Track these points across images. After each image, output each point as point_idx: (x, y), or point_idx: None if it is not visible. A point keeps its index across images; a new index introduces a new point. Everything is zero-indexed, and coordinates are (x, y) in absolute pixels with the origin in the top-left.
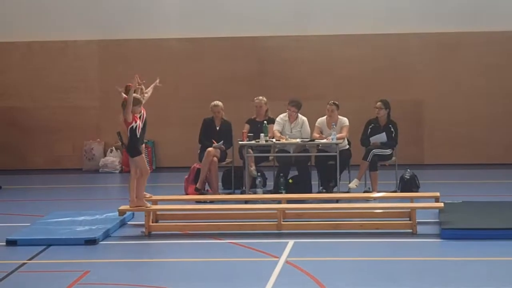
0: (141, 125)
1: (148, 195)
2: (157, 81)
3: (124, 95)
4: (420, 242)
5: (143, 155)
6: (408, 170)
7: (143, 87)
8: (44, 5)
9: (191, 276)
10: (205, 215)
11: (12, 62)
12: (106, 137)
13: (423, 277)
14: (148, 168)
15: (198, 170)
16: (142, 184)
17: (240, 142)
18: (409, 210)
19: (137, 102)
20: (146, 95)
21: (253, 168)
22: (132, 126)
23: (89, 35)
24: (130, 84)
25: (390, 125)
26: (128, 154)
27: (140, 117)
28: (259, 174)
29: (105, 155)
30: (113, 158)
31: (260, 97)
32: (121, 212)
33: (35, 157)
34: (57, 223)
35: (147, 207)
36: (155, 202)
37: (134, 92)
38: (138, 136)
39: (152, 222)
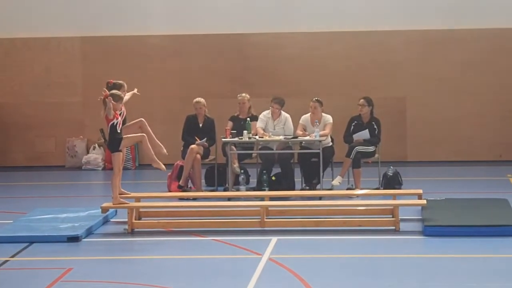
0: (121, 122)
1: (126, 192)
2: (135, 90)
3: (105, 91)
4: (403, 239)
5: (121, 154)
6: (391, 167)
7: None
8: (26, 2)
9: (174, 273)
10: (188, 212)
11: None
12: (89, 134)
13: (406, 274)
14: (121, 168)
15: (181, 167)
16: (116, 183)
17: (223, 139)
18: (392, 207)
19: (118, 98)
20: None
21: (236, 165)
22: (113, 123)
23: (72, 32)
24: (110, 80)
25: (373, 122)
26: (109, 150)
27: (120, 114)
28: (242, 171)
29: (88, 152)
30: (96, 155)
31: (243, 94)
32: (104, 209)
33: (16, 154)
34: (40, 220)
35: (127, 205)
36: (138, 199)
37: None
38: (119, 131)
39: (135, 219)
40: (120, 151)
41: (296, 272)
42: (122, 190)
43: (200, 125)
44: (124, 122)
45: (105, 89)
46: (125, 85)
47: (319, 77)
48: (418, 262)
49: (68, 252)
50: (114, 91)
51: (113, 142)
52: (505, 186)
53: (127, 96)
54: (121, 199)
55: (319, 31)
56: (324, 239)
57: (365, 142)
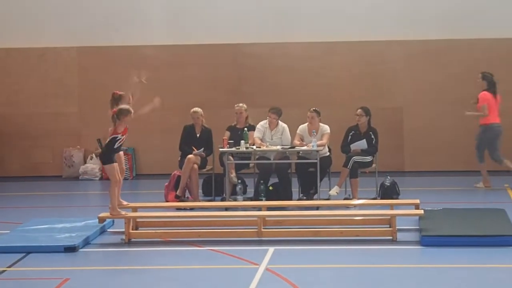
0: (124, 140)
1: (124, 202)
2: (157, 102)
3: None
4: (400, 249)
5: (115, 164)
6: (388, 177)
7: (131, 96)
8: (23, 12)
9: (171, 284)
10: (185, 222)
11: None
12: (86, 144)
13: (403, 284)
14: (118, 178)
15: (179, 177)
16: (113, 193)
17: (221, 149)
18: (389, 217)
19: (127, 112)
20: (141, 111)
21: (233, 175)
22: (116, 137)
23: (69, 42)
24: (116, 91)
25: (371, 132)
26: (101, 162)
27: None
28: (239, 181)
29: (85, 162)
30: (93, 165)
31: (240, 104)
32: (101, 219)
33: (13, 164)
34: (37, 230)
35: (124, 215)
36: (135, 209)
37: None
38: (115, 147)
39: (132, 229)
40: (113, 162)
41: (293, 282)
42: (121, 200)
43: (198, 135)
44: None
45: (112, 102)
46: (129, 96)
47: (316, 87)
48: (416, 272)
49: (65, 262)
50: (122, 106)
51: (106, 154)
52: (502, 196)
53: (146, 109)
54: (119, 210)
55: (316, 41)
56: (321, 249)
57: (363, 152)
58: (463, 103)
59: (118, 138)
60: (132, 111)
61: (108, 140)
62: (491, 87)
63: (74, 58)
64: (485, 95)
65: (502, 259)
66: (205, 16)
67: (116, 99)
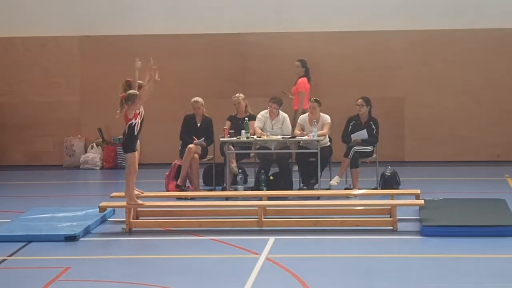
0: (139, 123)
1: (139, 191)
2: (156, 76)
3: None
4: (401, 239)
5: (136, 153)
6: (389, 167)
7: (141, 82)
8: (25, 1)
9: (172, 273)
10: (186, 211)
11: None
12: (87, 134)
13: (403, 273)
14: (136, 168)
15: (179, 166)
16: (131, 182)
17: (221, 139)
18: (390, 207)
19: (134, 97)
20: (146, 91)
21: (234, 164)
22: (132, 123)
23: (71, 31)
24: (129, 79)
25: (371, 122)
26: (123, 150)
27: (139, 114)
28: (240, 171)
29: (85, 152)
30: (94, 155)
31: (237, 94)
32: (102, 209)
33: (15, 153)
34: (38, 219)
35: (142, 204)
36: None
37: (133, 87)
38: (135, 133)
39: (133, 219)
40: (134, 150)
41: (294, 271)
42: (136, 189)
43: (198, 124)
44: (141, 123)
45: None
46: (138, 82)
47: (318, 77)
48: (416, 262)
49: (66, 251)
50: (130, 91)
51: (127, 142)
52: (503, 187)
53: (146, 86)
54: (136, 199)
55: (317, 31)
56: (321, 239)
57: (363, 142)
58: (464, 93)
59: (134, 123)
60: (139, 94)
61: (126, 128)
62: (307, 74)
63: (75, 48)
64: (304, 82)
65: (502, 249)
66: (207, 5)
67: (129, 86)
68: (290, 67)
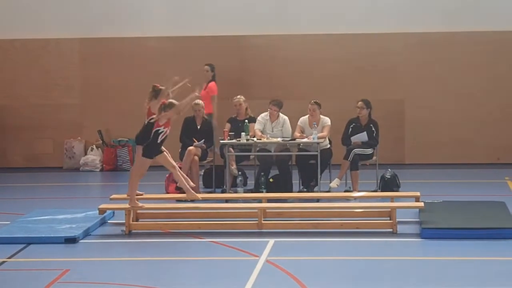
0: (167, 133)
1: (139, 193)
2: (196, 92)
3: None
4: (400, 241)
5: (150, 161)
6: (389, 169)
7: (169, 92)
8: (25, 3)
9: (171, 275)
10: (186, 214)
11: None
12: (87, 136)
13: (403, 276)
14: (144, 173)
15: (179, 168)
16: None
17: (221, 141)
18: (390, 209)
19: (172, 106)
20: (184, 105)
21: (234, 167)
22: (158, 130)
23: (71, 33)
24: (157, 85)
25: (371, 125)
26: (143, 154)
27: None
28: (240, 173)
29: (85, 154)
30: (94, 157)
31: (238, 96)
32: (101, 211)
33: (15, 156)
34: (37, 221)
35: (141, 206)
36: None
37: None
38: (159, 141)
39: (133, 221)
40: (151, 157)
41: (294, 274)
42: (137, 191)
43: (198, 127)
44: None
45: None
46: (168, 92)
47: (317, 79)
48: (416, 264)
49: (65, 253)
50: (173, 101)
51: (149, 147)
52: (503, 189)
53: (186, 100)
54: (136, 201)
55: (317, 33)
56: (321, 241)
57: (363, 145)
58: (464, 95)
59: (161, 131)
60: (178, 106)
61: (152, 133)
62: (215, 78)
63: (76, 50)
64: (215, 85)
65: (502, 252)
66: (207, 7)
67: (156, 92)
68: (290, 70)
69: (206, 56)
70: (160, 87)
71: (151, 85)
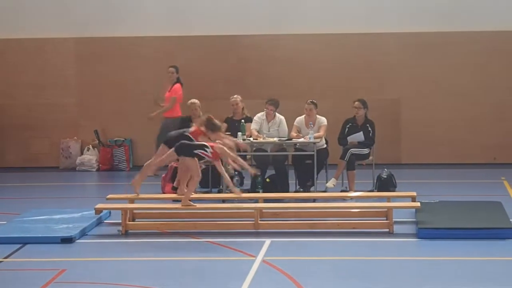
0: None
1: (137, 192)
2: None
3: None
4: (397, 241)
5: (175, 160)
6: (385, 169)
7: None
8: (21, 2)
9: (168, 275)
10: (182, 214)
11: None
12: (83, 135)
13: (400, 276)
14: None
15: (175, 169)
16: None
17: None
18: (386, 209)
19: (214, 128)
20: (221, 149)
21: (230, 167)
22: (206, 147)
23: (66, 33)
24: (211, 116)
25: (368, 125)
26: (176, 151)
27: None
28: (236, 173)
29: (82, 153)
30: (90, 156)
31: (235, 96)
32: (98, 211)
33: (11, 155)
34: (34, 221)
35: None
36: (131, 200)
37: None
38: (195, 151)
39: (129, 221)
40: (177, 155)
41: (290, 274)
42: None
43: None
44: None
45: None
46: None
47: (314, 79)
48: (412, 264)
49: (62, 253)
50: (215, 122)
51: (186, 147)
52: (499, 189)
53: (226, 141)
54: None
55: (314, 33)
56: (317, 241)
57: (360, 144)
58: (460, 95)
59: (207, 150)
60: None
61: (199, 142)
62: (180, 80)
63: (72, 49)
64: (180, 88)
65: (498, 252)
66: (203, 7)
67: (211, 123)
68: (287, 70)
69: (202, 56)
70: (216, 121)
71: (207, 116)
